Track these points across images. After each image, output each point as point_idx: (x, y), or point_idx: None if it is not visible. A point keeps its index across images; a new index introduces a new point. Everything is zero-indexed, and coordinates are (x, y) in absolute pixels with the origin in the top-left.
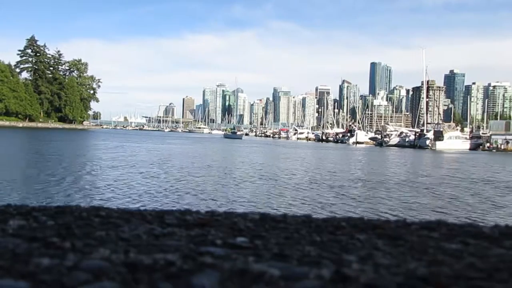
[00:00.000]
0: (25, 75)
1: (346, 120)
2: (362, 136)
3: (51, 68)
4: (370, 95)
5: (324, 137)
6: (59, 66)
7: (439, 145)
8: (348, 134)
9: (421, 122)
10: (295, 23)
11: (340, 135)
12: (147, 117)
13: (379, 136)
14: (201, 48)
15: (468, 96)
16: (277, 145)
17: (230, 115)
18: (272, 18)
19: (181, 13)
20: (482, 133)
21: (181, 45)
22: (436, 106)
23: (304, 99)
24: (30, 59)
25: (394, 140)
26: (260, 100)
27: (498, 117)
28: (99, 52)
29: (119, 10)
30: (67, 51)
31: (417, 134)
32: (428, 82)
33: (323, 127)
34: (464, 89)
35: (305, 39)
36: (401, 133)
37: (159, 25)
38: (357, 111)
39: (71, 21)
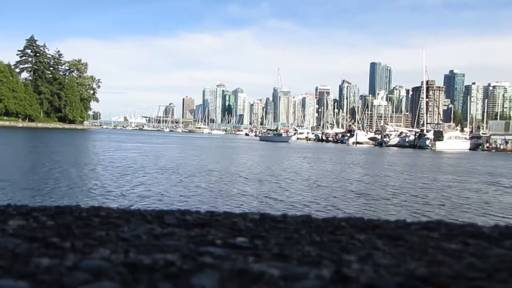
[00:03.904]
0: (24, 75)
1: (346, 120)
2: (362, 136)
3: (51, 68)
4: (370, 95)
5: (324, 137)
6: (59, 66)
7: (439, 145)
8: (348, 134)
9: (421, 122)
10: (293, 22)
11: (340, 135)
12: (147, 117)
13: (379, 136)
14: (199, 48)
15: (468, 96)
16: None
17: (230, 115)
18: (269, 17)
19: (176, 12)
20: (482, 133)
21: (178, 44)
22: (436, 106)
23: (304, 99)
24: (30, 59)
25: (394, 140)
26: (260, 100)
27: (498, 117)
28: (96, 51)
29: (113, 9)
30: (64, 50)
31: (417, 134)
32: (428, 82)
33: (323, 127)
34: (464, 89)
35: (303, 38)
36: (401, 133)
37: (155, 24)
38: (357, 111)
39: (66, 21)
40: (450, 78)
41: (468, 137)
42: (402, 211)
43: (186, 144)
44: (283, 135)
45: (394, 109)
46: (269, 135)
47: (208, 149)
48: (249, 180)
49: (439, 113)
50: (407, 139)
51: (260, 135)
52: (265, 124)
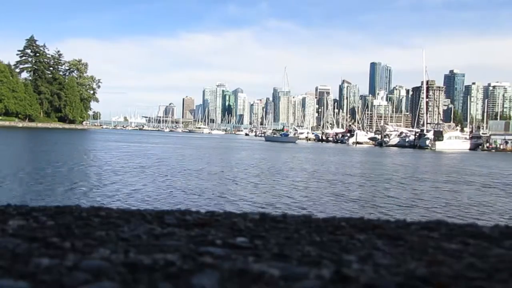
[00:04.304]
0: (24, 75)
1: (346, 120)
2: (362, 136)
3: (51, 68)
4: (370, 95)
5: (323, 137)
6: (59, 66)
7: (439, 145)
8: (348, 134)
9: (421, 122)
10: (292, 22)
11: (340, 135)
12: (147, 117)
13: (379, 136)
14: (199, 47)
15: (468, 96)
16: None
17: (230, 115)
18: (268, 16)
19: (176, 12)
20: (482, 133)
21: (178, 44)
22: (436, 106)
23: (304, 99)
24: (30, 59)
25: (394, 140)
26: (260, 100)
27: (498, 117)
28: (96, 51)
29: (113, 9)
30: (64, 50)
31: (417, 134)
32: (428, 82)
33: (323, 127)
34: (464, 89)
35: (303, 38)
36: (401, 133)
37: (155, 24)
38: (357, 111)
39: (66, 21)
40: (450, 78)
41: (468, 137)
42: (402, 211)
43: (186, 144)
44: (290, 135)
45: (394, 109)
46: (275, 135)
47: (210, 150)
48: (251, 181)
49: (439, 113)
50: (407, 139)
51: (265, 135)
52: (265, 124)
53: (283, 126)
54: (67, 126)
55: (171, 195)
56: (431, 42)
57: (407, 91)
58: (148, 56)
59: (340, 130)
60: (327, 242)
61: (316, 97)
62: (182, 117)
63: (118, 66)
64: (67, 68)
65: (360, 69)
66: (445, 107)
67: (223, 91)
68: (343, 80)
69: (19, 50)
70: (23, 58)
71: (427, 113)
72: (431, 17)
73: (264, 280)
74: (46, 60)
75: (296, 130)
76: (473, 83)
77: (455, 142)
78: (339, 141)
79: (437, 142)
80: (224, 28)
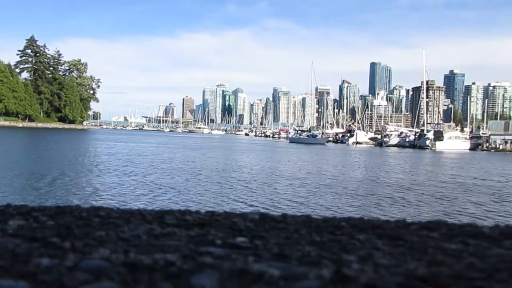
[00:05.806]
0: (25, 75)
1: (346, 120)
2: (362, 136)
3: (51, 68)
4: (370, 95)
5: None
6: (59, 66)
7: (439, 145)
8: (348, 134)
9: (421, 122)
10: (292, 22)
11: (340, 135)
12: (147, 117)
13: (379, 136)
14: (198, 47)
15: (468, 96)
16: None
17: (230, 115)
18: (267, 16)
19: (175, 11)
20: (482, 133)
21: (178, 44)
22: (436, 106)
23: (304, 99)
24: (30, 59)
25: (394, 140)
26: (260, 100)
27: (498, 117)
28: (96, 51)
29: (113, 9)
30: (64, 50)
31: (417, 134)
32: (428, 82)
33: (323, 127)
34: (464, 89)
35: (303, 38)
36: (401, 133)
37: (154, 24)
38: (357, 111)
39: (66, 21)
40: (450, 78)
41: (468, 137)
42: (402, 211)
43: (188, 145)
44: (318, 137)
45: (394, 109)
46: (301, 136)
47: (229, 152)
48: (257, 182)
49: (439, 113)
50: (407, 139)
51: (288, 136)
52: (264, 124)
53: (309, 127)
54: (67, 126)
55: (174, 195)
56: (431, 42)
57: (407, 91)
58: (148, 56)
59: (340, 130)
60: (327, 242)
61: (316, 97)
62: (182, 117)
63: (118, 66)
64: (66, 68)
65: (360, 69)
66: (445, 107)
67: (223, 91)
68: (343, 80)
69: (19, 50)
70: (23, 58)
71: (427, 113)
72: (431, 16)
73: (264, 280)
74: (46, 60)
75: (296, 130)
76: (473, 83)
77: (455, 142)
78: (339, 141)
79: (437, 142)
80: (224, 28)
